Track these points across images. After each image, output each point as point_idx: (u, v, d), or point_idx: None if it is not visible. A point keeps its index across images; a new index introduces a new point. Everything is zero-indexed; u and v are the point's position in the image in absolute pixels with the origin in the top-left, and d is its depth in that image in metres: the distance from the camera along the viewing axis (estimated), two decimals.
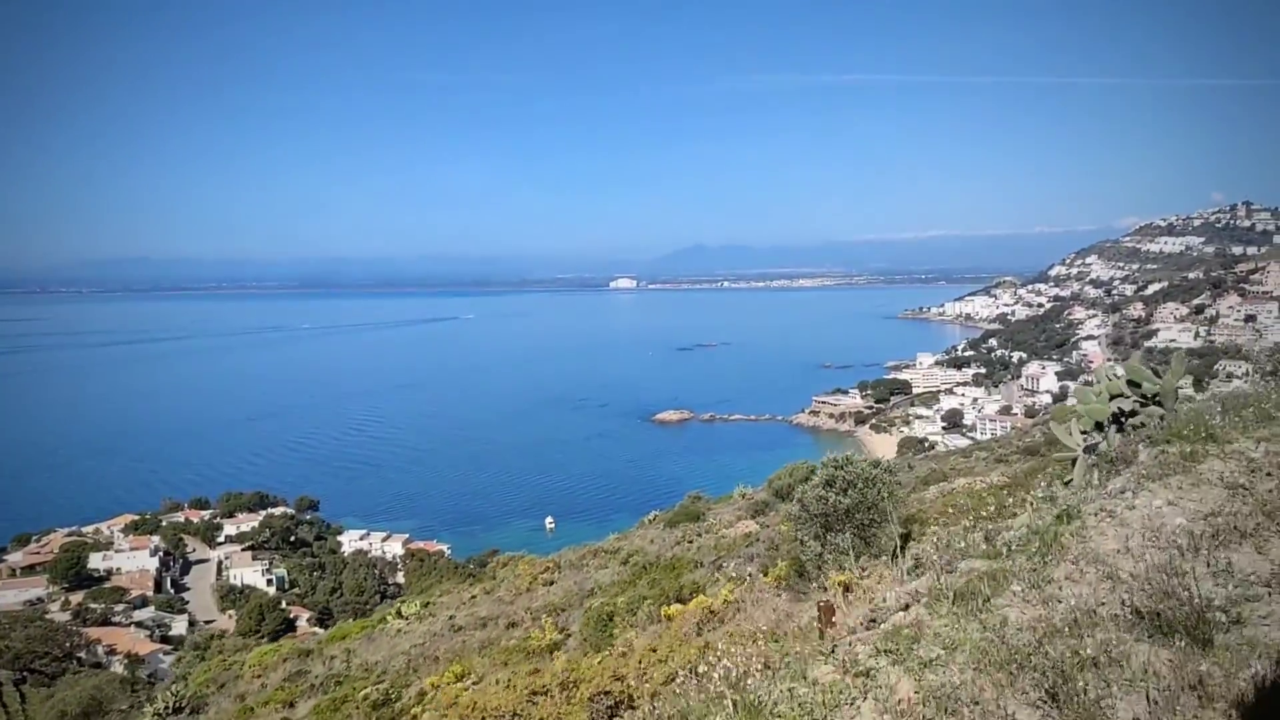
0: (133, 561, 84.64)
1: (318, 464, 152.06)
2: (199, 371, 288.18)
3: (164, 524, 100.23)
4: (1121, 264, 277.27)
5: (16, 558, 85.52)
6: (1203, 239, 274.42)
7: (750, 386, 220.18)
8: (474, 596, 26.79)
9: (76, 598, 72.03)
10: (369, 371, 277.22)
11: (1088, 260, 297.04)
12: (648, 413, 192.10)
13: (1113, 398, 9.45)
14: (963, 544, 7.05)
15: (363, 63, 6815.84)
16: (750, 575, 15.38)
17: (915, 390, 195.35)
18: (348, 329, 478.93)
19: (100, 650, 55.35)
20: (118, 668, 51.61)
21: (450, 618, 22.86)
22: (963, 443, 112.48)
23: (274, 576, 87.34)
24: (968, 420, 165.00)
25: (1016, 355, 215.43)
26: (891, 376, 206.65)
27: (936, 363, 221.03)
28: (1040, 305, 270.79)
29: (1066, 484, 8.99)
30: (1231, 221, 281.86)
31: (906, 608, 5.83)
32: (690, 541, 28.10)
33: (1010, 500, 9.98)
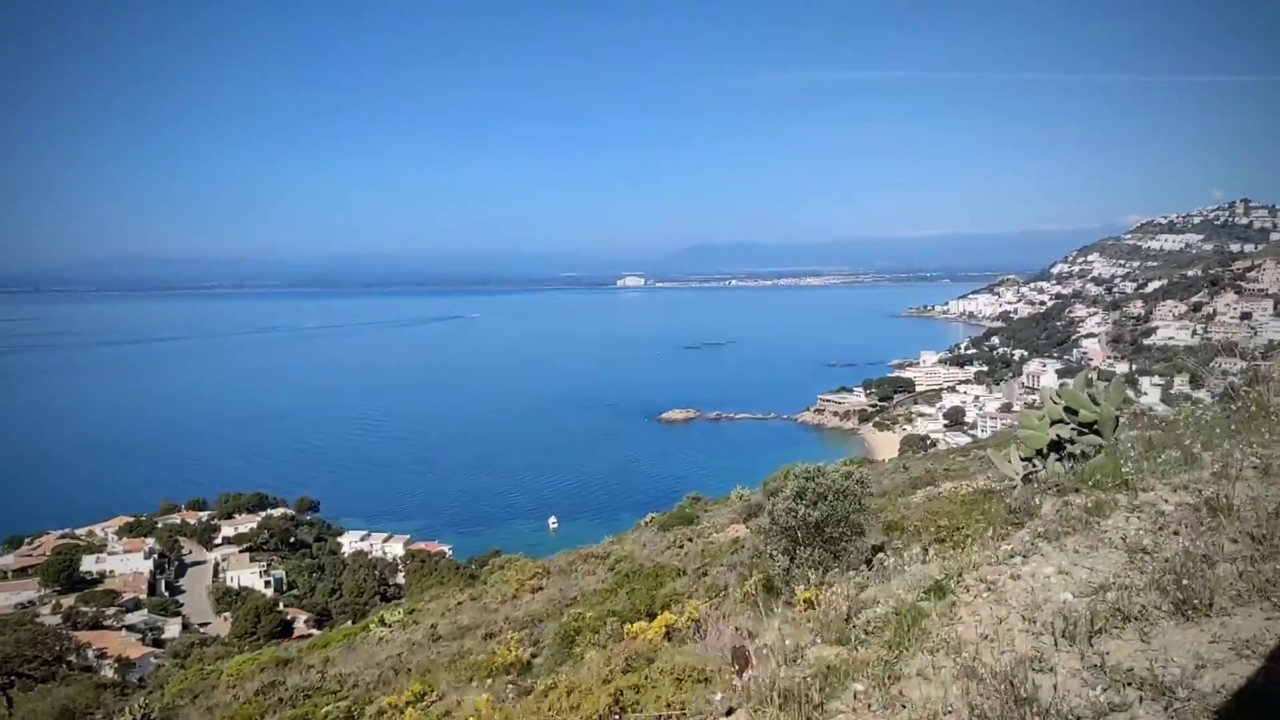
0: (126, 564, 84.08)
1: (320, 464, 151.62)
2: (200, 371, 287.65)
3: (159, 526, 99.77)
4: (1123, 262, 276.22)
5: (8, 560, 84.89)
6: (1202, 236, 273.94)
7: (756, 385, 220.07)
8: (460, 603, 26.31)
9: (68, 601, 71.52)
10: (373, 371, 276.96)
11: (1089, 258, 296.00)
12: (654, 412, 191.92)
13: (1054, 423, 8.88)
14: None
15: (371, 60, 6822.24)
16: (729, 586, 14.91)
17: (918, 388, 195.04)
18: (353, 328, 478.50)
19: (90, 654, 54.88)
20: (108, 672, 51.15)
21: (433, 626, 22.38)
22: (964, 440, 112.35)
23: (272, 578, 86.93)
24: (969, 418, 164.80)
25: (1018, 353, 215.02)
26: (895, 375, 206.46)
27: (940, 361, 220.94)
28: (1042, 303, 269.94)
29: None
30: (1230, 219, 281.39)
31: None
32: (680, 546, 27.64)
33: (980, 516, 9.43)
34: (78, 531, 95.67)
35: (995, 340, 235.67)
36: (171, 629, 69.54)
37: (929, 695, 4.48)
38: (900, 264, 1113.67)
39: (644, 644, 9.82)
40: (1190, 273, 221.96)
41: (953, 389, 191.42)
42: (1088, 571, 5.52)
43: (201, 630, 71.66)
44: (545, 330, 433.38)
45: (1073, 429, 8.67)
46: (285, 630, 68.35)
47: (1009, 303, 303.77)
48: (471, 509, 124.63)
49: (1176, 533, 5.73)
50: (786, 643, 5.60)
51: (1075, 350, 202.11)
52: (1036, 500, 7.32)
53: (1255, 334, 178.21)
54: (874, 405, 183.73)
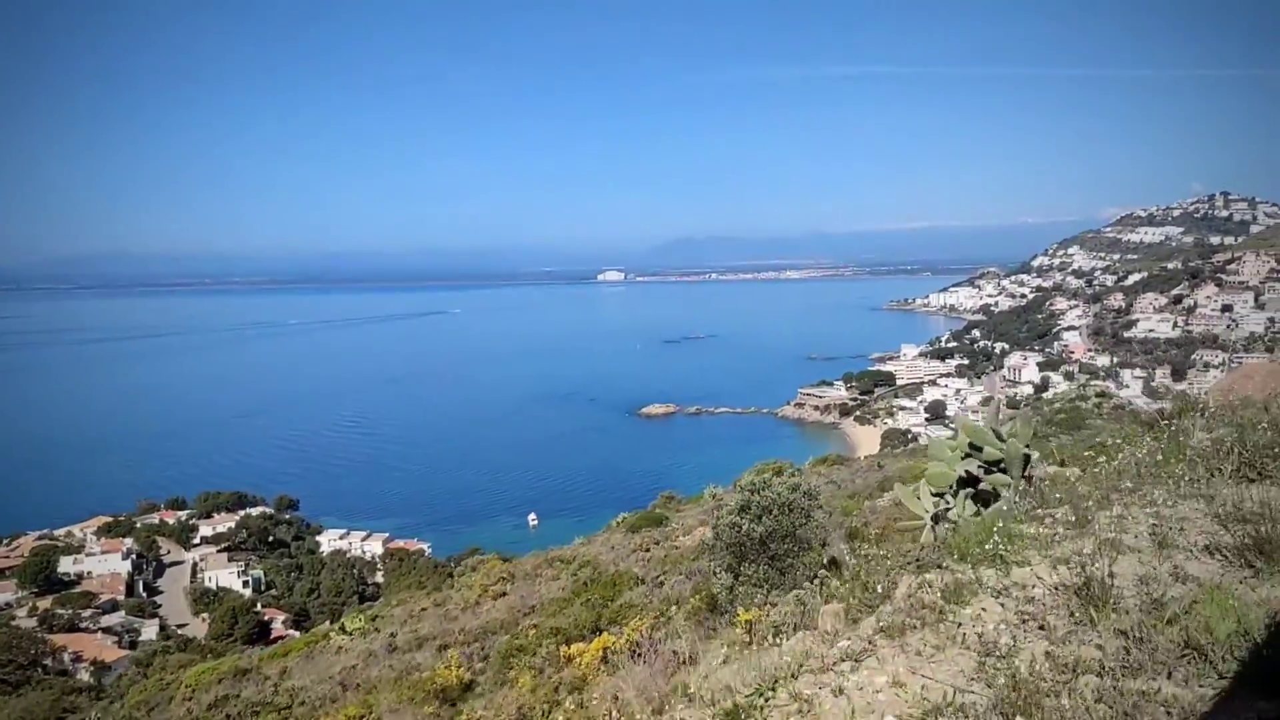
0: (104, 565, 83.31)
1: (303, 461, 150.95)
2: (183, 369, 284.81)
3: (138, 526, 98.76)
4: (1103, 254, 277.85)
5: None
6: (1182, 229, 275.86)
7: (737, 379, 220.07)
8: (424, 609, 26.22)
9: (45, 603, 70.82)
10: (356, 367, 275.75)
11: (1070, 251, 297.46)
12: (634, 406, 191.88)
13: (965, 455, 8.61)
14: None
15: (350, 57, 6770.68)
16: (681, 600, 14.91)
17: (899, 381, 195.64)
18: (336, 324, 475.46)
19: (66, 658, 54.34)
20: (84, 675, 50.70)
21: (391, 635, 22.28)
22: (945, 434, 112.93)
23: (250, 578, 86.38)
24: (950, 411, 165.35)
25: (999, 346, 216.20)
26: (876, 368, 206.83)
27: (920, 354, 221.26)
28: (1023, 296, 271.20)
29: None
30: (1209, 211, 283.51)
31: None
32: (646, 550, 27.61)
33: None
34: (56, 532, 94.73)
35: (976, 333, 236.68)
36: (149, 631, 68.84)
37: None
38: (881, 257, 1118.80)
39: (577, 670, 9.81)
40: (1170, 265, 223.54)
41: (934, 382, 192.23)
42: (928, 679, 4.68)
43: (179, 631, 71.16)
44: (526, 325, 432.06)
45: (980, 466, 8.28)
46: (263, 631, 67.92)
47: (990, 296, 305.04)
48: (451, 506, 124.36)
49: (1042, 627, 4.91)
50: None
51: (1056, 343, 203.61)
52: (891, 579, 6.41)
53: (1236, 326, 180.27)
54: (855, 399, 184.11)
